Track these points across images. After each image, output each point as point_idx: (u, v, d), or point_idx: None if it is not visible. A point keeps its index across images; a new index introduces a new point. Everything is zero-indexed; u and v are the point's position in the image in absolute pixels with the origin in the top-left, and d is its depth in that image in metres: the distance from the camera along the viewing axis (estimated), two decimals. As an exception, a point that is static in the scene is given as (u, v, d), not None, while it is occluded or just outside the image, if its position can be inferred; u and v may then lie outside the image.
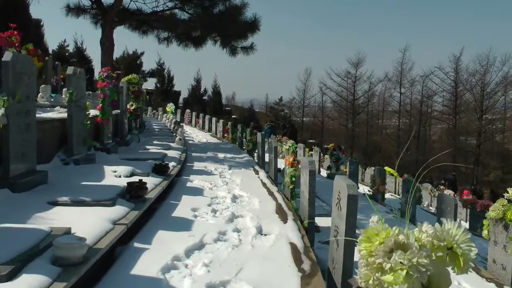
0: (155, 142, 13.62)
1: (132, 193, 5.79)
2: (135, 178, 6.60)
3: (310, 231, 6.47)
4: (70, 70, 8.42)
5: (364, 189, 18.07)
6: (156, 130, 19.35)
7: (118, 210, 5.04)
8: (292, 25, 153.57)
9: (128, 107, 14.39)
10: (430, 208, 22.23)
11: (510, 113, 50.27)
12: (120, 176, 7.12)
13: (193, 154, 13.77)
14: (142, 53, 47.80)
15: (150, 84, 45.89)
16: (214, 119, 24.78)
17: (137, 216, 5.22)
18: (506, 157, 48.33)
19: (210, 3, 20.19)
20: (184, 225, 5.62)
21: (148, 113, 30.95)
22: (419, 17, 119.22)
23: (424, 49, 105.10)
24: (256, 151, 14.35)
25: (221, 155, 13.90)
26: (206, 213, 6.37)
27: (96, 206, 5.06)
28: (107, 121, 10.31)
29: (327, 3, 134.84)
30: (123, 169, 7.36)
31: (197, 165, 11.32)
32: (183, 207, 6.56)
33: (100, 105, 10.19)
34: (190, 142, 17.92)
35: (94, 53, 67.22)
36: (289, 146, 17.86)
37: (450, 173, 30.53)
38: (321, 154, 25.43)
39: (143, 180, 6.15)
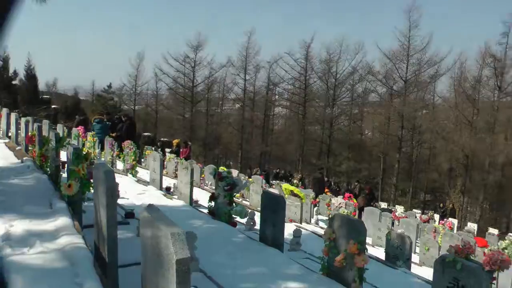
0: None
1: None
2: None
3: None
4: None
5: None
6: None
7: None
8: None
9: None
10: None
11: (361, 101, 49.99)
12: None
13: None
14: None
15: None
16: (13, 116, 12.61)
17: None
18: (357, 147, 48.04)
19: None
20: None
21: None
22: None
23: (272, 34, 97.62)
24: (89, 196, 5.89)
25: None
26: None
27: None
28: None
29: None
30: None
31: None
32: None
33: None
34: None
35: None
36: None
37: (317, 172, 28.50)
38: (163, 154, 18.77)
39: None
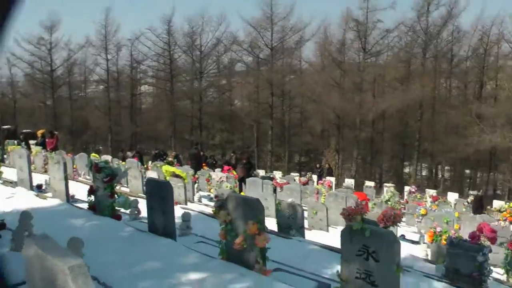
0: None
1: None
2: None
3: None
4: None
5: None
6: None
7: None
8: None
9: None
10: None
11: (228, 72, 49.77)
12: None
13: None
14: None
15: None
16: None
17: None
18: (229, 118, 47.96)
19: None
20: None
21: None
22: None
23: (131, 9, 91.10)
24: None
25: None
26: None
27: None
28: None
29: None
30: None
31: None
32: None
33: None
34: None
35: None
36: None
37: (193, 147, 28.13)
38: (28, 148, 17.25)
39: None
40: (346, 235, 4.31)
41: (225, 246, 5.42)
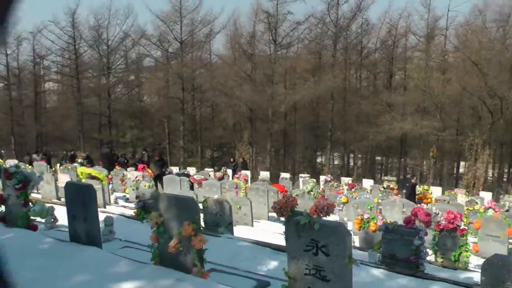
0: None
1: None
2: None
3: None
4: None
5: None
6: None
7: None
8: None
9: None
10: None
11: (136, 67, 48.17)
12: None
13: None
14: None
15: None
16: None
17: None
18: (139, 114, 46.55)
19: None
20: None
21: None
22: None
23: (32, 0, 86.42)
24: None
25: None
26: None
27: None
28: None
29: None
30: None
31: None
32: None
33: None
34: None
35: None
36: None
37: (104, 146, 27.20)
38: None
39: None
40: (292, 230, 4.15)
41: (158, 249, 5.07)
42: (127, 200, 15.45)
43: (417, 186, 18.96)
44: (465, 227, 8.60)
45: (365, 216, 9.31)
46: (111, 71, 45.10)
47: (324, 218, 7.05)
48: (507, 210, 18.24)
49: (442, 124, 37.14)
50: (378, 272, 6.74)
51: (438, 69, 41.08)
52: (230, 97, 40.36)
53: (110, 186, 15.90)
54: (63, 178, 14.24)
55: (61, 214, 7.64)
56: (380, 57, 47.05)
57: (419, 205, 12.64)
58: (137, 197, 10.63)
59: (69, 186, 6.39)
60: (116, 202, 14.17)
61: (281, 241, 8.50)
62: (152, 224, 5.00)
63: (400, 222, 8.32)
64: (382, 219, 8.74)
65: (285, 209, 7.98)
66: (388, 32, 44.89)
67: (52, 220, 7.84)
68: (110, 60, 44.84)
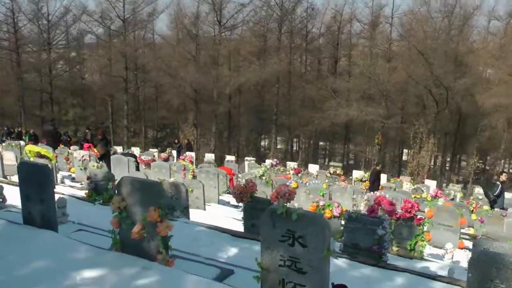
0: None
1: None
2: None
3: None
4: None
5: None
6: None
7: None
8: None
9: None
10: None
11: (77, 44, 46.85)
12: None
13: None
14: None
15: None
16: None
17: None
18: (81, 92, 45.61)
19: None
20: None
21: None
22: None
23: None
24: None
25: None
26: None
27: None
28: None
29: None
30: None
31: None
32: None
33: None
34: None
35: None
36: None
37: (47, 123, 26.53)
38: None
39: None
40: (267, 219, 3.90)
41: (119, 235, 4.79)
42: (73, 179, 15.09)
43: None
44: (421, 217, 8.62)
45: (321, 203, 9.03)
46: (51, 46, 43.81)
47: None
48: (452, 199, 18.88)
49: (387, 112, 37.96)
50: (340, 262, 6.64)
51: (383, 57, 41.97)
52: (174, 77, 40.03)
53: (56, 164, 15.55)
54: (8, 156, 14.06)
55: (10, 194, 7.47)
56: (325, 43, 47.61)
57: (372, 193, 12.41)
58: (88, 177, 10.26)
59: (23, 165, 6.09)
60: (62, 182, 13.80)
61: (236, 226, 8.58)
62: (114, 209, 4.69)
63: (350, 208, 8.10)
64: (338, 206, 8.72)
65: (245, 195, 8.24)
66: (333, 18, 45.54)
67: (1, 200, 7.48)
68: (50, 36, 43.52)
